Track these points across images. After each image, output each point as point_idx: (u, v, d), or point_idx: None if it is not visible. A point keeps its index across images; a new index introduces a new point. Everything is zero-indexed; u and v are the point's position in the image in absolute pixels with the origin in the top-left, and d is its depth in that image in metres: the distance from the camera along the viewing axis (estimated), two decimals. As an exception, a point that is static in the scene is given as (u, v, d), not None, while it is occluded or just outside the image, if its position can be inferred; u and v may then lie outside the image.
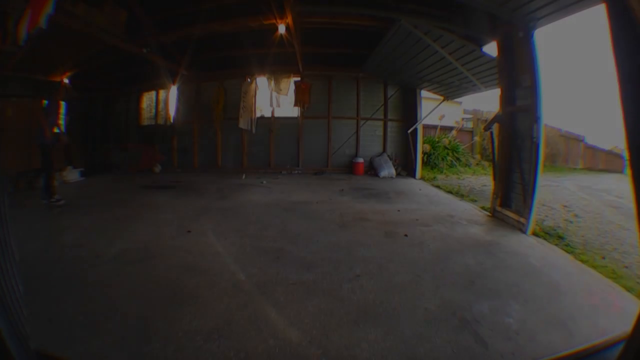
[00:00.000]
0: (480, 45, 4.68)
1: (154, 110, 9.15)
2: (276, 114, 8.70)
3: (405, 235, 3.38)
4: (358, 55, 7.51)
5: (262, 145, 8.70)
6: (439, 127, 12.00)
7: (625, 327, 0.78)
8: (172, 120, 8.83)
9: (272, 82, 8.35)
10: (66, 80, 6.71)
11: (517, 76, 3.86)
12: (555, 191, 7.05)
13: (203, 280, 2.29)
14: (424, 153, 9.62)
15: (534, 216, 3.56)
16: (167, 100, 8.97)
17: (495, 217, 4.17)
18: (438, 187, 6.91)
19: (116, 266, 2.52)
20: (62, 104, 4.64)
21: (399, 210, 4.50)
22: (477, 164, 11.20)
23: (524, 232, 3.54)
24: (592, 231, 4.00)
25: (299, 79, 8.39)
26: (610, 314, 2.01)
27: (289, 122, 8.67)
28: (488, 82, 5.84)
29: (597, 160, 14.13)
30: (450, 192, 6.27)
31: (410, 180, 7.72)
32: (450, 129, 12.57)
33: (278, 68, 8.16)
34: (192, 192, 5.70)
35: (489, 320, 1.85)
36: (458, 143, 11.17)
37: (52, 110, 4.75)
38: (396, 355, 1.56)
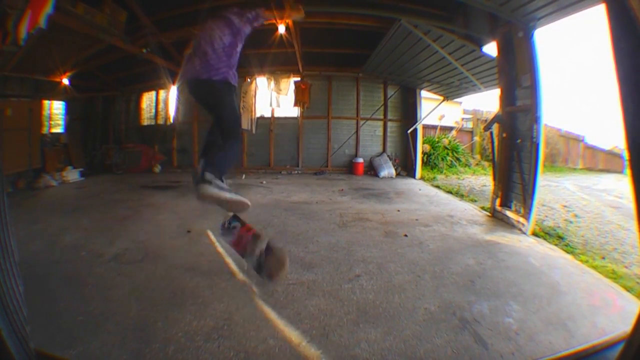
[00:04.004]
0: (480, 45, 4.68)
1: (154, 110, 9.15)
2: (276, 114, 8.69)
3: (405, 235, 3.38)
4: (358, 55, 7.50)
5: (261, 145, 8.70)
6: (438, 127, 11.99)
7: (625, 327, 0.78)
8: (172, 120, 8.83)
9: (272, 82, 8.34)
10: (66, 81, 6.70)
11: (517, 76, 3.86)
12: (555, 191, 7.05)
13: (203, 281, 2.29)
14: (423, 153, 9.61)
15: (533, 216, 3.56)
16: (167, 100, 8.97)
17: (495, 217, 4.17)
18: (438, 187, 6.90)
19: (116, 266, 2.52)
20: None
21: (398, 211, 4.50)
22: (477, 164, 11.19)
23: (524, 232, 3.54)
24: (592, 231, 4.00)
25: (298, 79, 8.38)
26: (610, 314, 2.01)
27: (288, 122, 8.66)
28: (488, 82, 5.84)
29: (597, 160, 14.13)
30: (450, 192, 6.27)
31: (410, 180, 7.72)
32: (450, 129, 12.56)
33: (278, 68, 8.15)
34: (192, 192, 5.69)
35: (488, 320, 1.85)
36: (458, 143, 11.16)
37: None
38: (396, 355, 1.56)
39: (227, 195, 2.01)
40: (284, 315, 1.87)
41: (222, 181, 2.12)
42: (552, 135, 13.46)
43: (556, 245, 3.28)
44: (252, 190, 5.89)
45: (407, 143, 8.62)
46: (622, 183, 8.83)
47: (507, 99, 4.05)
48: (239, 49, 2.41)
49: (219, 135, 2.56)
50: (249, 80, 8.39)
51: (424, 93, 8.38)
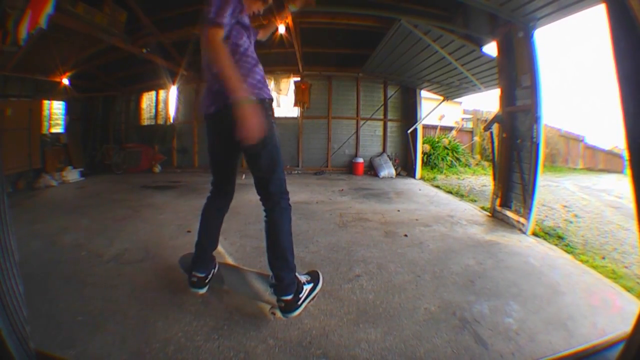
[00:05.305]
0: (480, 45, 4.69)
1: (154, 110, 9.15)
2: (276, 114, 8.68)
3: (405, 235, 3.38)
4: (358, 55, 7.51)
5: (261, 145, 8.70)
6: (438, 127, 12.00)
7: (625, 327, 0.78)
8: (172, 120, 8.84)
9: (272, 82, 8.34)
10: (66, 81, 6.70)
11: (517, 76, 3.86)
12: (555, 191, 7.05)
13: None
14: (423, 153, 9.62)
15: (533, 216, 3.56)
16: (167, 100, 8.98)
17: (495, 217, 4.17)
18: (438, 187, 6.90)
19: (116, 266, 2.52)
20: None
21: (398, 211, 4.50)
22: (477, 164, 11.19)
23: (523, 232, 3.54)
24: (592, 231, 4.00)
25: (298, 79, 8.38)
26: (610, 314, 2.01)
27: (288, 122, 8.66)
28: (488, 82, 5.85)
29: (597, 160, 14.13)
30: (450, 192, 6.27)
31: (410, 181, 7.71)
32: (450, 129, 12.57)
33: (278, 68, 8.16)
34: (192, 192, 5.69)
35: (488, 320, 1.85)
36: (458, 143, 11.17)
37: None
38: (396, 355, 1.56)
39: (311, 297, 1.83)
40: (284, 315, 1.87)
41: (299, 283, 1.78)
42: (552, 135, 13.48)
43: (556, 245, 3.28)
44: (253, 191, 5.87)
45: (407, 143, 8.62)
46: (622, 183, 8.83)
47: (507, 99, 4.05)
48: (242, 42, 1.70)
49: (223, 201, 2.12)
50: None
51: (424, 93, 8.39)
